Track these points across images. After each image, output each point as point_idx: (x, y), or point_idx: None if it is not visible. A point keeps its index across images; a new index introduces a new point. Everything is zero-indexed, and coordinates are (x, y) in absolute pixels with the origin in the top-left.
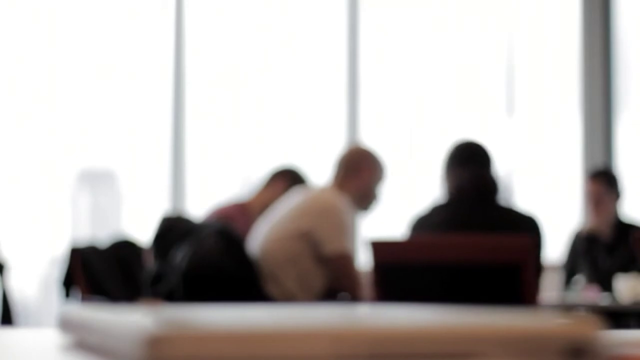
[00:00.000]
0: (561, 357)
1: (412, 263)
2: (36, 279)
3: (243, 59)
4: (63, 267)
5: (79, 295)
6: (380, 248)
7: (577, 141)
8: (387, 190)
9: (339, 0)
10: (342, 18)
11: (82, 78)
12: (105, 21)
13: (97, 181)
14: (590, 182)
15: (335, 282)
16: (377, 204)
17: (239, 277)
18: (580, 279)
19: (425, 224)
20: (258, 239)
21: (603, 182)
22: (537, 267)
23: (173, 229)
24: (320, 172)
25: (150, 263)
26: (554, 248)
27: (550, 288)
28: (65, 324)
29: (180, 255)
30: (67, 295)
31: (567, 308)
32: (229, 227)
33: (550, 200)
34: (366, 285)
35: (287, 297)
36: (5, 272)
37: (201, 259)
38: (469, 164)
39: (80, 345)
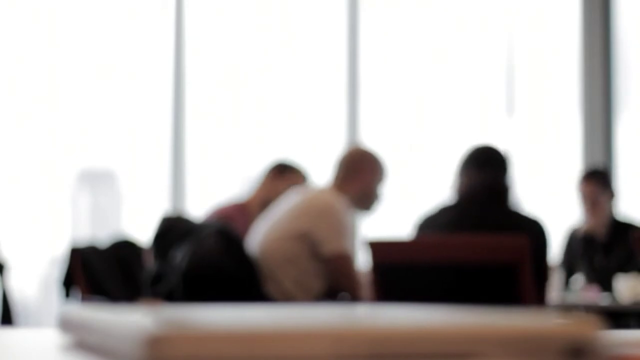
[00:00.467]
0: (561, 357)
1: (411, 263)
2: (36, 279)
3: (243, 59)
4: (63, 267)
5: (79, 295)
6: (379, 248)
7: (577, 141)
8: (387, 191)
9: (339, 0)
10: (342, 18)
11: (82, 78)
12: (105, 21)
13: (97, 181)
14: (584, 183)
15: (335, 283)
16: (378, 204)
17: (238, 277)
18: (578, 278)
19: (431, 224)
20: (257, 238)
21: (597, 182)
22: (543, 271)
23: (173, 229)
24: (320, 172)
25: (150, 263)
26: (554, 248)
27: (550, 288)
28: (65, 324)
29: (180, 255)
30: (67, 295)
31: (566, 308)
32: (228, 227)
33: (550, 200)
34: (366, 285)
35: (286, 298)
36: (5, 272)
37: (201, 259)
38: (484, 167)
39: (80, 345)
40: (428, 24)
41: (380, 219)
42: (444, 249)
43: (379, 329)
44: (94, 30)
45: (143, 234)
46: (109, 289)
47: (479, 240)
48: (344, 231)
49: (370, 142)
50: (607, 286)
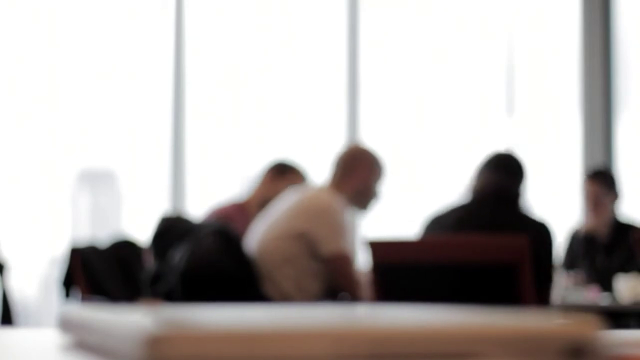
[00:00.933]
0: (561, 357)
1: (411, 263)
2: (36, 279)
3: (243, 59)
4: (63, 267)
5: (79, 295)
6: (378, 248)
7: (577, 141)
8: (387, 190)
9: (339, 0)
10: (342, 18)
11: (82, 78)
12: (105, 21)
13: (97, 181)
14: (588, 183)
15: (334, 283)
16: (376, 202)
17: (237, 277)
18: (576, 275)
19: (438, 224)
20: (255, 238)
21: (601, 182)
22: (547, 273)
23: (172, 229)
24: (320, 172)
25: (150, 263)
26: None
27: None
28: (65, 324)
29: (178, 255)
30: (67, 295)
31: (567, 308)
32: (227, 227)
33: (550, 200)
34: (365, 285)
35: (284, 298)
36: (5, 272)
37: (200, 259)
38: (499, 172)
39: (80, 345)
40: (428, 24)
41: (380, 218)
42: (444, 249)
43: (379, 329)
44: (94, 30)
45: (143, 234)
46: (109, 289)
47: (479, 241)
48: (343, 231)
49: (370, 142)
50: (607, 286)
